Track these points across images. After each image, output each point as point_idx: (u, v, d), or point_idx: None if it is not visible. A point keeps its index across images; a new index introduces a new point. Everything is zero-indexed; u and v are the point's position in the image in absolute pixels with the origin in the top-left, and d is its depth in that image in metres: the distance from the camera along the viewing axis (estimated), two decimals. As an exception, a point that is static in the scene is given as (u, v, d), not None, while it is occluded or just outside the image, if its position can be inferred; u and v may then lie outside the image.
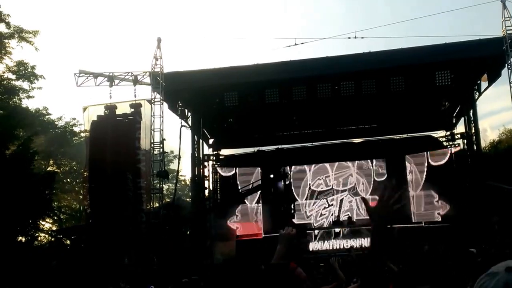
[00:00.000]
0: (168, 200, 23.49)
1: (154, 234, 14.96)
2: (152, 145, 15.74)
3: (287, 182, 18.42)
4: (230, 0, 66.64)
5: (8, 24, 21.34)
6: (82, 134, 23.97)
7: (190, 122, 18.02)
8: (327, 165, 19.68)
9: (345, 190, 19.29)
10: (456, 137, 19.42)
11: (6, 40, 21.71)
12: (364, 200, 8.27)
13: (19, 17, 57.07)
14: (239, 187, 19.60)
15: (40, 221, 20.28)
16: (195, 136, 18.31)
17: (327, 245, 18.31)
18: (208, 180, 19.52)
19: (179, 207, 18.90)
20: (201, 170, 18.86)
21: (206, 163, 19.46)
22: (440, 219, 18.19)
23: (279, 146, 20.34)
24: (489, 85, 16.42)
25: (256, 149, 20.53)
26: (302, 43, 16.03)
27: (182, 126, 17.31)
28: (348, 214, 18.83)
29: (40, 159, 23.77)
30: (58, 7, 56.92)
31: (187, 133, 18.16)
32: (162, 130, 15.84)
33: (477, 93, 17.34)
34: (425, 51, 15.09)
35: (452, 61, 15.82)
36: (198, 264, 14.73)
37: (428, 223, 18.21)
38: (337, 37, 26.07)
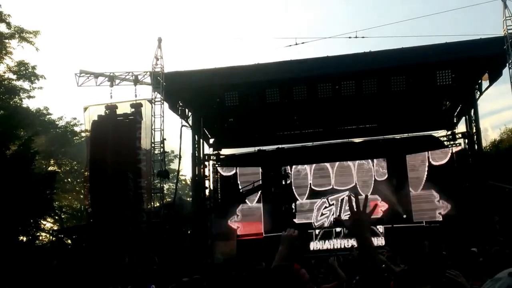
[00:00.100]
0: (169, 199, 23.53)
1: (155, 234, 14.98)
2: (153, 145, 15.75)
3: (288, 182, 18.43)
4: (230, 0, 66.67)
5: (8, 24, 21.39)
6: (83, 134, 24.03)
7: (190, 122, 18.04)
8: (327, 164, 19.68)
9: (345, 190, 19.28)
10: (457, 136, 19.43)
11: (6, 40, 21.74)
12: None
13: (20, 17, 57.22)
14: (240, 187, 19.60)
15: (41, 221, 20.29)
16: (196, 136, 18.33)
17: (328, 244, 18.32)
18: (209, 179, 19.54)
19: (179, 206, 18.92)
20: (202, 170, 18.87)
21: (206, 163, 19.48)
22: (441, 219, 18.19)
23: (280, 146, 20.32)
24: (490, 84, 16.39)
25: (256, 148, 20.51)
26: (303, 43, 16.05)
27: (182, 126, 17.35)
28: (348, 214, 18.76)
29: (41, 159, 23.81)
30: (59, 7, 56.98)
31: (187, 133, 18.23)
32: (163, 130, 15.88)
33: (478, 93, 17.32)
34: (426, 51, 15.05)
35: (453, 61, 15.79)
36: (198, 263, 14.74)
37: (429, 223, 18.20)
38: (338, 37, 26.21)
